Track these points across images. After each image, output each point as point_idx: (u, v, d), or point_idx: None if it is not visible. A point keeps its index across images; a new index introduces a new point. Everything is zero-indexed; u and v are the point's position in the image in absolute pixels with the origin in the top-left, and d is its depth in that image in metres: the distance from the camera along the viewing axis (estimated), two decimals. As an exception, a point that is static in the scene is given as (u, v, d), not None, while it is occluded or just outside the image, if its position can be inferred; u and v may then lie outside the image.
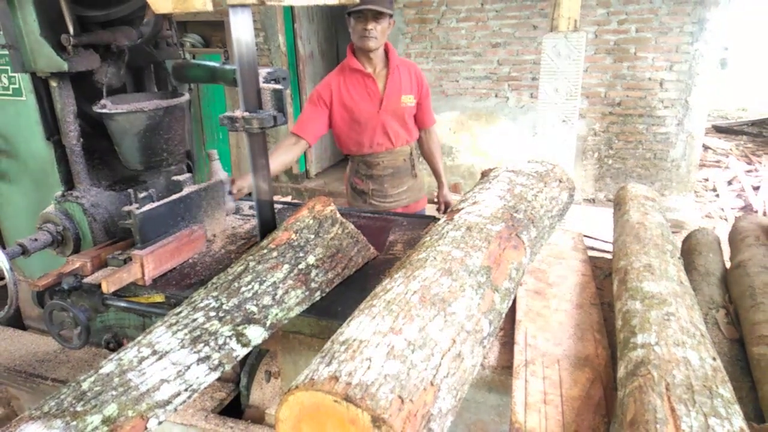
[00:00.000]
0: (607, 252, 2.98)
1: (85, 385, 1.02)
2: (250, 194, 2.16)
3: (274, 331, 1.34)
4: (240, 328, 1.24)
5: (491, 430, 1.34)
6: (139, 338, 1.16)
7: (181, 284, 1.65)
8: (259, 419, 1.62)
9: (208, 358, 1.15)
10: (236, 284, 1.33)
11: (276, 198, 2.06)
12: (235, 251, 1.85)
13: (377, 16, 2.35)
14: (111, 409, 0.98)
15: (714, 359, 0.98)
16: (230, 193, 2.12)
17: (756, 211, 5.51)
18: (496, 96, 5.76)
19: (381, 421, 0.78)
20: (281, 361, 1.58)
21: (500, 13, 5.47)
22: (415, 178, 2.77)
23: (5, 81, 1.84)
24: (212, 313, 1.24)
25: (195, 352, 1.14)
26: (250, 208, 2.20)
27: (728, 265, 1.62)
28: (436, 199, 2.90)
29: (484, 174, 1.79)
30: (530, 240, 1.41)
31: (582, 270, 1.61)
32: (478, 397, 1.32)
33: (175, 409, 1.08)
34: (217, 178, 2.02)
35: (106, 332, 1.71)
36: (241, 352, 1.23)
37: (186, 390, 1.10)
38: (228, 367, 1.20)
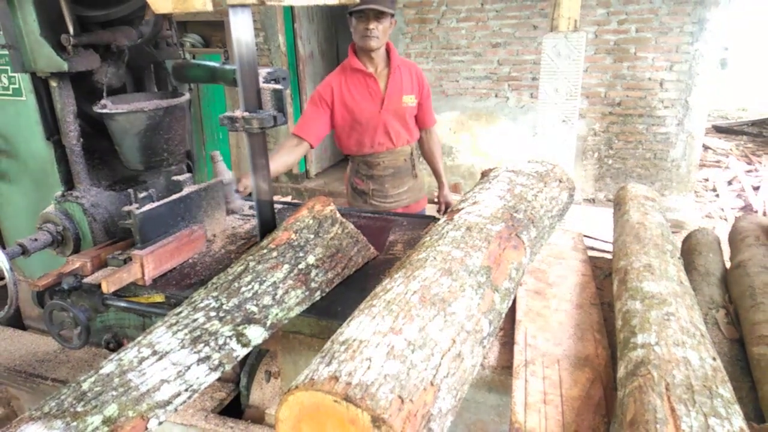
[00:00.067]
0: (607, 252, 2.98)
1: (85, 386, 1.02)
2: (250, 194, 2.17)
3: (274, 331, 1.34)
4: (240, 328, 1.24)
5: (491, 430, 1.34)
6: (140, 338, 1.16)
7: (181, 284, 1.65)
8: (259, 419, 1.62)
9: (208, 358, 1.15)
10: (236, 284, 1.33)
11: (276, 198, 2.06)
12: (235, 251, 1.85)
13: (379, 15, 2.35)
14: (111, 410, 0.98)
15: (714, 359, 0.98)
16: (237, 191, 2.12)
17: (756, 211, 5.51)
18: (496, 96, 5.76)
19: (381, 421, 0.78)
20: (281, 361, 1.58)
21: (500, 13, 5.47)
22: (415, 178, 2.77)
23: (5, 81, 1.84)
24: (212, 313, 1.24)
25: (195, 353, 1.14)
26: (250, 208, 2.20)
27: (728, 265, 1.62)
28: (436, 200, 2.90)
29: (484, 174, 1.79)
30: (530, 240, 1.41)
31: (582, 270, 1.61)
32: (478, 397, 1.32)
33: (176, 410, 1.08)
34: (222, 178, 2.02)
35: (106, 332, 1.71)
36: (242, 352, 1.23)
37: (186, 390, 1.10)
38: (228, 367, 1.20)
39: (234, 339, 1.22)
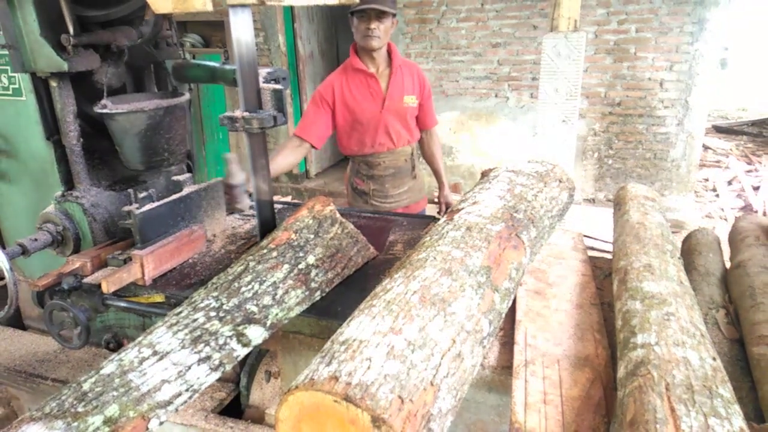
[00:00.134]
0: (607, 252, 2.98)
1: (86, 386, 1.02)
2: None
3: (275, 331, 1.34)
4: (240, 328, 1.24)
5: (491, 430, 1.34)
6: (140, 338, 1.16)
7: (181, 284, 1.65)
8: (259, 419, 1.62)
9: (208, 358, 1.15)
10: (236, 284, 1.33)
11: (276, 198, 2.06)
12: (235, 251, 1.85)
13: (380, 15, 2.35)
14: (112, 410, 0.98)
15: (714, 359, 0.98)
16: (249, 193, 2.11)
17: (756, 211, 5.51)
18: (496, 96, 5.76)
19: (381, 421, 0.78)
20: (281, 361, 1.58)
21: (500, 13, 5.47)
22: (415, 178, 2.77)
23: (5, 81, 1.84)
24: (213, 313, 1.24)
25: (196, 353, 1.14)
26: (250, 208, 2.20)
27: (728, 265, 1.62)
28: (436, 200, 2.90)
29: (484, 174, 1.79)
30: (530, 240, 1.41)
31: (582, 270, 1.61)
32: (478, 397, 1.32)
33: (176, 410, 1.08)
34: (236, 180, 2.02)
35: (106, 332, 1.71)
36: (242, 352, 1.23)
37: (187, 390, 1.10)
38: (229, 367, 1.21)
39: (234, 339, 1.22)
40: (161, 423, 1.05)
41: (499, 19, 5.49)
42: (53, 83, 1.73)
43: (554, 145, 3.43)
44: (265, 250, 1.48)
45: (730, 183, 6.32)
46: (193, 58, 5.18)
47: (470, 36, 5.65)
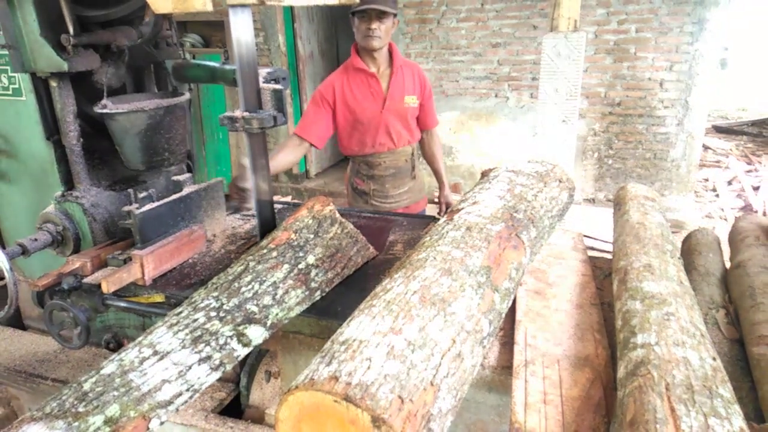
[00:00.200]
0: (607, 252, 2.98)
1: (86, 386, 1.02)
2: (241, 206, 2.17)
3: (275, 330, 1.34)
4: (241, 328, 1.24)
5: (491, 430, 1.34)
6: (140, 338, 1.16)
7: (181, 284, 1.65)
8: (259, 419, 1.62)
9: (209, 358, 1.15)
10: (236, 284, 1.33)
11: (276, 198, 2.06)
12: (235, 251, 1.86)
13: (381, 15, 2.35)
14: (113, 410, 0.98)
15: (714, 359, 0.98)
16: None
17: (756, 211, 5.51)
18: (496, 96, 5.76)
19: (381, 421, 0.78)
20: (281, 361, 1.58)
21: (500, 13, 5.47)
22: (415, 179, 2.77)
23: (5, 81, 1.84)
24: (213, 313, 1.24)
25: (196, 352, 1.14)
26: (250, 208, 2.20)
27: (728, 265, 1.62)
28: (436, 200, 2.90)
29: (484, 174, 1.79)
30: (530, 240, 1.41)
31: (582, 270, 1.61)
32: (478, 397, 1.32)
33: (177, 410, 1.08)
34: (248, 184, 2.02)
35: (106, 332, 1.71)
36: (242, 352, 1.23)
37: (187, 390, 1.10)
38: (229, 367, 1.21)
39: (235, 339, 1.22)
40: (162, 423, 1.05)
41: (499, 19, 5.49)
42: (53, 83, 1.73)
43: (554, 145, 3.44)
44: (265, 250, 1.48)
45: (730, 183, 6.32)
46: (193, 58, 5.18)
47: (470, 36, 5.65)
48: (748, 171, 6.57)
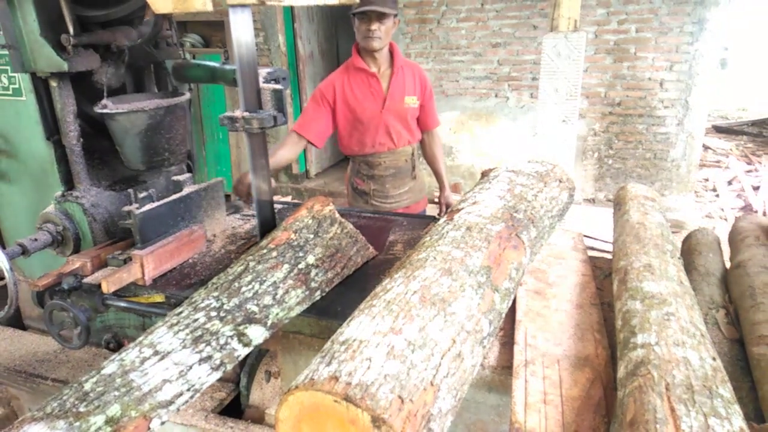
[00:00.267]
0: (607, 252, 2.98)
1: (87, 386, 1.02)
2: (246, 201, 2.17)
3: (275, 330, 1.34)
4: (241, 327, 1.24)
5: (491, 430, 1.34)
6: (141, 338, 1.16)
7: (181, 284, 1.65)
8: (259, 419, 1.62)
9: (209, 358, 1.15)
10: (237, 284, 1.33)
11: (276, 198, 2.06)
12: (235, 251, 1.86)
13: (381, 16, 2.35)
14: (114, 410, 0.98)
15: (714, 359, 0.98)
16: None
17: (756, 211, 5.51)
18: (496, 96, 5.76)
19: (381, 421, 0.78)
20: (281, 361, 1.58)
21: (500, 13, 5.47)
22: (415, 179, 2.77)
23: (5, 81, 1.84)
24: (213, 313, 1.24)
25: (197, 352, 1.14)
26: (251, 208, 2.20)
27: (728, 265, 1.62)
28: (437, 200, 2.90)
29: (484, 174, 1.79)
30: (530, 240, 1.41)
31: (582, 270, 1.61)
32: (478, 397, 1.32)
33: (178, 409, 1.08)
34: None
35: (106, 332, 1.71)
36: (243, 351, 1.23)
37: (188, 390, 1.10)
38: (230, 367, 1.21)
39: (235, 339, 1.22)
40: (163, 423, 1.05)
41: (499, 19, 5.49)
42: (53, 83, 1.73)
43: (554, 145, 3.44)
44: (264, 250, 1.48)
45: (730, 183, 6.32)
46: (193, 58, 5.18)
47: (470, 36, 5.65)
48: (748, 171, 6.56)
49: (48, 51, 1.64)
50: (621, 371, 1.01)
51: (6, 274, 1.56)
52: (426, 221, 2.21)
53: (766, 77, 12.21)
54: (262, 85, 1.56)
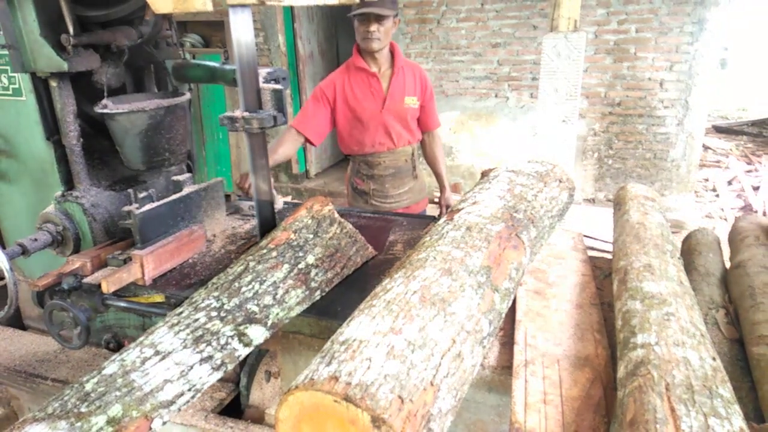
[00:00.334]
0: (607, 252, 2.98)
1: (88, 386, 1.02)
2: (249, 194, 2.17)
3: (275, 330, 1.34)
4: (242, 327, 1.24)
5: (491, 430, 1.34)
6: (141, 339, 1.16)
7: (181, 284, 1.65)
8: (259, 419, 1.62)
9: (210, 357, 1.15)
10: (237, 284, 1.33)
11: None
12: (235, 251, 1.85)
13: (379, 17, 2.35)
14: (115, 410, 0.98)
15: (714, 359, 0.98)
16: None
17: (756, 211, 5.51)
18: (496, 96, 5.76)
19: (381, 421, 0.78)
20: (281, 361, 1.58)
21: (500, 13, 5.47)
22: (416, 179, 2.77)
23: (5, 81, 1.84)
24: (214, 313, 1.24)
25: (197, 352, 1.14)
26: (250, 208, 2.20)
27: (728, 265, 1.62)
28: (437, 200, 2.90)
29: (484, 174, 1.79)
30: (530, 240, 1.41)
31: (582, 270, 1.61)
32: (478, 397, 1.32)
33: (179, 409, 1.08)
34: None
35: (106, 332, 1.71)
36: (243, 351, 1.24)
37: (189, 390, 1.10)
38: (230, 367, 1.21)
39: (236, 338, 1.22)
40: (164, 423, 1.05)
41: (499, 19, 5.49)
42: (53, 83, 1.73)
43: (554, 145, 3.44)
44: (264, 250, 1.48)
45: (730, 183, 6.31)
46: (193, 58, 5.18)
47: (470, 36, 5.65)
48: (748, 171, 6.56)
49: (48, 51, 1.64)
50: (621, 371, 1.01)
51: (6, 274, 1.56)
52: (426, 221, 2.21)
53: (766, 77, 12.21)
54: (262, 85, 1.56)
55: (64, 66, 1.65)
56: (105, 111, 1.74)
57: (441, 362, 0.92)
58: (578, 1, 3.26)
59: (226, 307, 1.26)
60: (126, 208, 1.67)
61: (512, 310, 1.39)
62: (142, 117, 1.76)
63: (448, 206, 2.83)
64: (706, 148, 7.36)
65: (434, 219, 2.19)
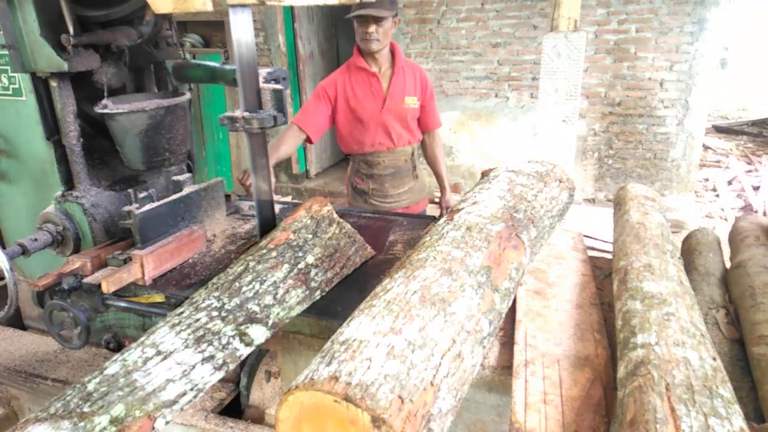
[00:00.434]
0: (607, 252, 2.98)
1: (90, 386, 1.02)
2: (249, 194, 2.17)
3: (276, 330, 1.34)
4: (243, 327, 1.24)
5: (491, 430, 1.34)
6: (143, 339, 1.16)
7: (181, 284, 1.65)
8: (259, 419, 1.62)
9: (212, 357, 1.16)
10: (237, 284, 1.33)
11: (276, 198, 2.06)
12: (235, 251, 1.85)
13: (378, 19, 2.35)
14: (118, 410, 0.98)
15: (714, 359, 0.98)
16: None
17: (756, 211, 5.51)
18: (496, 96, 5.76)
19: (381, 421, 0.78)
20: (281, 361, 1.58)
21: (500, 13, 5.47)
22: (416, 179, 2.77)
23: (5, 81, 1.84)
24: (215, 313, 1.24)
25: (199, 352, 1.14)
26: (250, 208, 2.20)
27: (728, 265, 1.62)
28: (437, 200, 2.91)
29: (484, 174, 1.79)
30: (530, 240, 1.41)
31: (582, 270, 1.61)
32: (478, 397, 1.32)
33: (182, 409, 1.08)
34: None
35: (106, 332, 1.71)
36: (245, 351, 1.24)
37: (192, 389, 1.10)
38: (232, 367, 1.21)
39: (237, 338, 1.22)
40: (167, 422, 1.05)
41: (499, 19, 5.49)
42: (53, 83, 1.73)
43: (554, 145, 3.44)
44: (264, 251, 1.48)
45: (730, 183, 6.31)
46: (193, 58, 5.18)
47: (470, 36, 5.65)
48: (748, 171, 6.56)
49: (48, 51, 1.64)
50: (621, 371, 1.01)
51: (6, 274, 1.56)
52: (426, 221, 2.21)
53: (766, 77, 12.21)
54: (262, 85, 1.56)
55: (64, 66, 1.65)
56: (105, 111, 1.74)
57: (441, 362, 0.92)
58: (578, 1, 3.26)
59: (226, 306, 1.26)
60: (126, 208, 1.67)
61: (512, 310, 1.39)
62: (142, 117, 1.76)
63: (448, 207, 2.83)
64: (706, 148, 7.36)
65: (434, 219, 2.19)
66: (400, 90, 2.53)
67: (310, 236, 1.58)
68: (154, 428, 1.01)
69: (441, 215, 2.83)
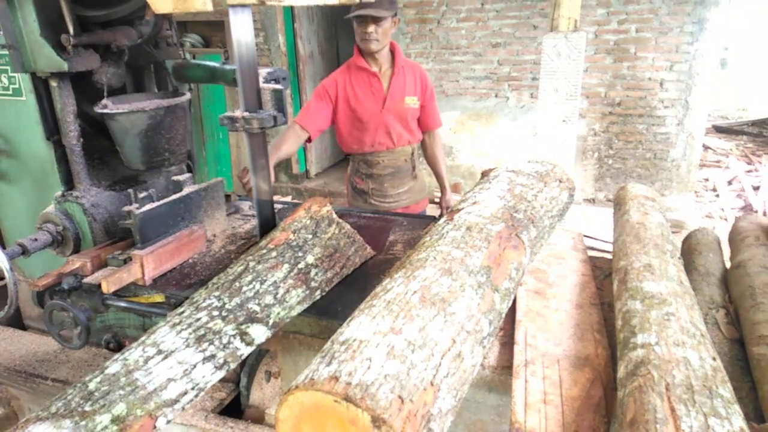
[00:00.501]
0: (607, 252, 2.98)
1: (91, 385, 1.02)
2: (249, 193, 2.17)
3: (277, 329, 1.34)
4: (243, 327, 1.24)
5: (491, 430, 1.34)
6: (143, 338, 1.16)
7: (181, 284, 1.65)
8: (259, 419, 1.62)
9: (213, 356, 1.16)
10: (237, 284, 1.34)
11: (276, 198, 2.06)
12: (235, 251, 1.86)
13: (377, 19, 2.35)
14: (120, 409, 0.99)
15: (714, 359, 0.98)
16: None
17: (756, 211, 5.51)
18: (496, 96, 5.76)
19: (381, 421, 0.78)
20: (281, 361, 1.58)
21: (500, 13, 5.47)
22: (415, 179, 2.77)
23: (5, 81, 1.84)
24: (215, 313, 1.24)
25: (200, 351, 1.14)
26: (250, 208, 2.20)
27: (728, 265, 1.62)
28: (437, 200, 2.91)
29: (484, 174, 1.79)
30: (530, 240, 1.41)
31: (582, 270, 1.61)
32: (478, 397, 1.32)
33: (183, 408, 1.09)
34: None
35: (106, 332, 1.71)
36: (246, 350, 1.24)
37: (193, 389, 1.10)
38: (233, 366, 1.21)
39: (238, 338, 1.22)
40: (168, 422, 1.05)
41: (499, 19, 5.49)
42: (53, 83, 1.73)
43: (554, 145, 3.44)
44: (264, 251, 1.48)
45: (730, 183, 6.31)
46: (193, 58, 5.18)
47: (470, 36, 5.65)
48: (748, 171, 6.57)
49: (48, 51, 1.64)
50: (621, 371, 1.01)
51: (6, 274, 1.56)
52: (426, 221, 2.21)
53: (766, 77, 12.21)
54: (262, 85, 1.56)
55: (64, 66, 1.65)
56: (105, 111, 1.74)
57: (441, 362, 0.92)
58: (578, 1, 3.26)
59: (227, 306, 1.26)
60: (126, 208, 1.67)
61: (512, 310, 1.39)
62: (142, 117, 1.76)
63: (448, 207, 2.83)
64: (706, 148, 7.36)
65: (434, 219, 2.19)
66: (400, 90, 2.54)
67: (310, 236, 1.58)
68: (155, 427, 1.01)
69: (441, 215, 2.83)
